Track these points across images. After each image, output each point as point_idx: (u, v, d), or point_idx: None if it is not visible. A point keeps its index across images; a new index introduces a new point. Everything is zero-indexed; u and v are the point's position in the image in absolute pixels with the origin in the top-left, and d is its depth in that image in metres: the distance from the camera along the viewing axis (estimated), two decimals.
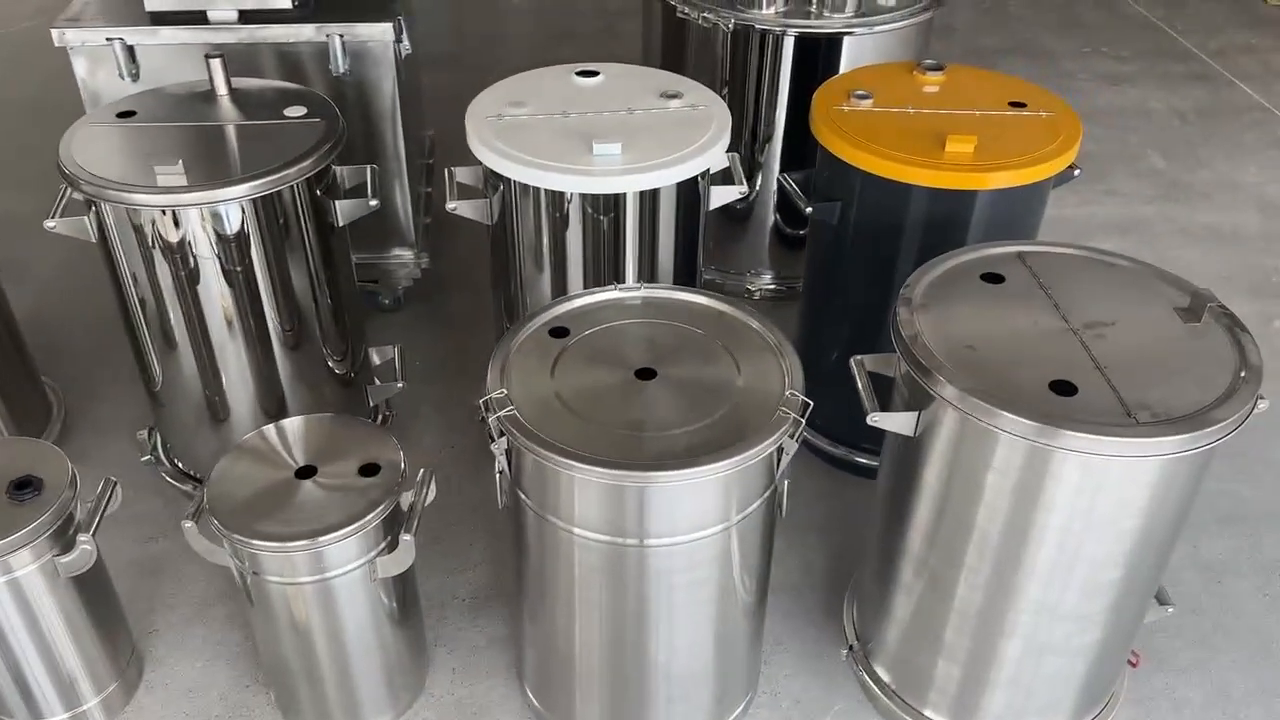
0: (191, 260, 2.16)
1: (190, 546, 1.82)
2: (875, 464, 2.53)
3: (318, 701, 2.01)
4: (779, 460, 1.71)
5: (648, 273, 2.32)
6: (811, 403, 1.67)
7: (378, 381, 2.62)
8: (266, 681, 2.09)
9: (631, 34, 4.98)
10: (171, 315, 2.25)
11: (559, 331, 1.85)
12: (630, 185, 2.13)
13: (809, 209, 2.30)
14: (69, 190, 2.28)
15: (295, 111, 2.28)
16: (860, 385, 1.79)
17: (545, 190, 2.19)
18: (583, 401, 1.70)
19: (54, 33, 2.57)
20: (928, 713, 2.01)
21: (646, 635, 1.82)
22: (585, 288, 2.31)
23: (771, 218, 3.22)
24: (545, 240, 2.28)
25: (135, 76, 2.62)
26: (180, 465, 2.52)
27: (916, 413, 1.71)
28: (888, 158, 2.15)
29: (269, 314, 2.28)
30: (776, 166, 3.05)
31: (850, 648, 2.13)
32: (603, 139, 2.11)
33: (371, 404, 2.61)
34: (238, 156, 2.17)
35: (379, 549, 1.83)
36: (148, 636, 2.22)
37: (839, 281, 2.45)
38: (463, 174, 2.40)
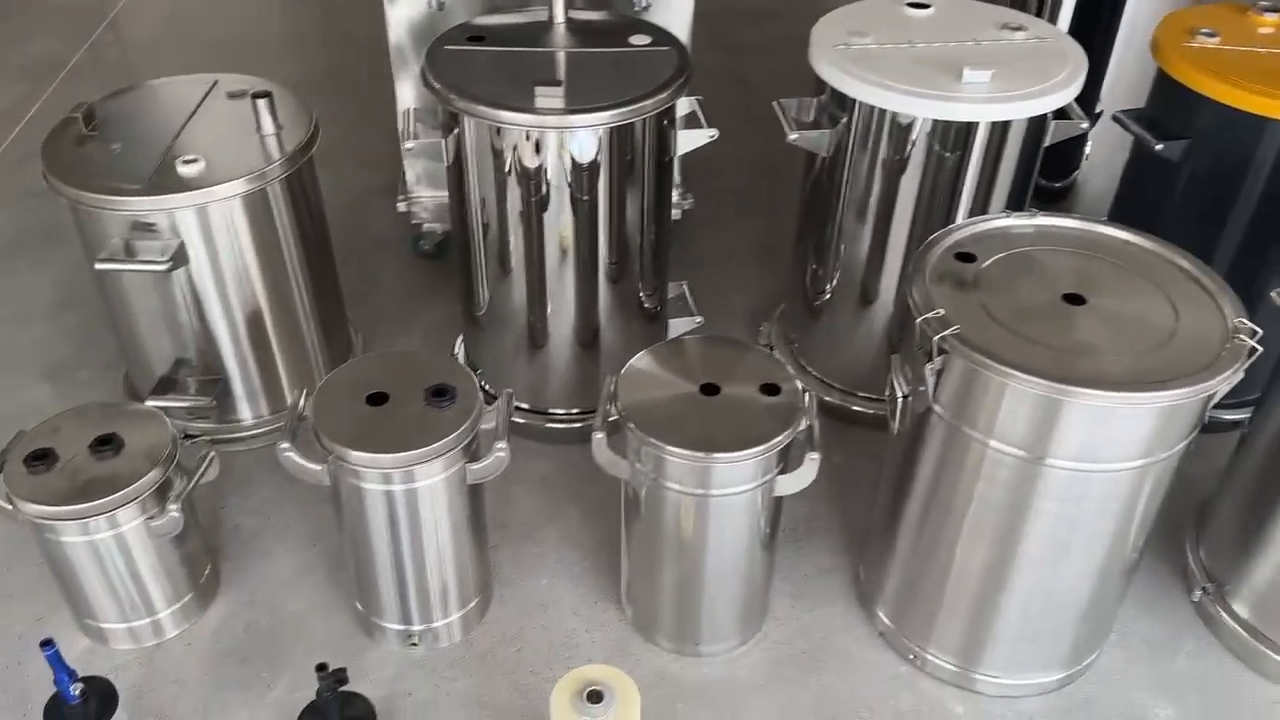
0: (544, 186, 2.18)
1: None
2: None
3: (680, 619, 2.05)
4: (1210, 399, 1.70)
5: (980, 212, 2.30)
6: (1260, 330, 1.65)
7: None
8: (626, 597, 2.12)
9: None
10: (512, 241, 2.28)
11: (965, 256, 1.85)
12: (1002, 114, 2.11)
13: (1159, 146, 2.27)
14: (413, 114, 2.33)
15: (640, 40, 2.28)
16: None
17: (894, 120, 2.18)
18: (1015, 320, 1.70)
19: None
20: None
21: (1033, 563, 1.82)
22: (915, 225, 2.32)
23: None
24: (881, 174, 2.27)
25: (441, 6, 2.65)
26: (490, 390, 2.56)
27: None
28: (1257, 93, 2.11)
29: (602, 246, 2.30)
30: None
31: (1204, 589, 2.12)
32: (973, 66, 2.10)
33: (671, 336, 2.63)
34: (599, 83, 2.18)
35: (778, 467, 1.85)
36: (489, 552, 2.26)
37: (1165, 222, 2.40)
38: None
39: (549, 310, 2.40)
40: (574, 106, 2.08)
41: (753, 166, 3.57)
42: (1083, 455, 1.67)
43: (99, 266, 2.11)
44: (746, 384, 1.89)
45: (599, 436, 1.86)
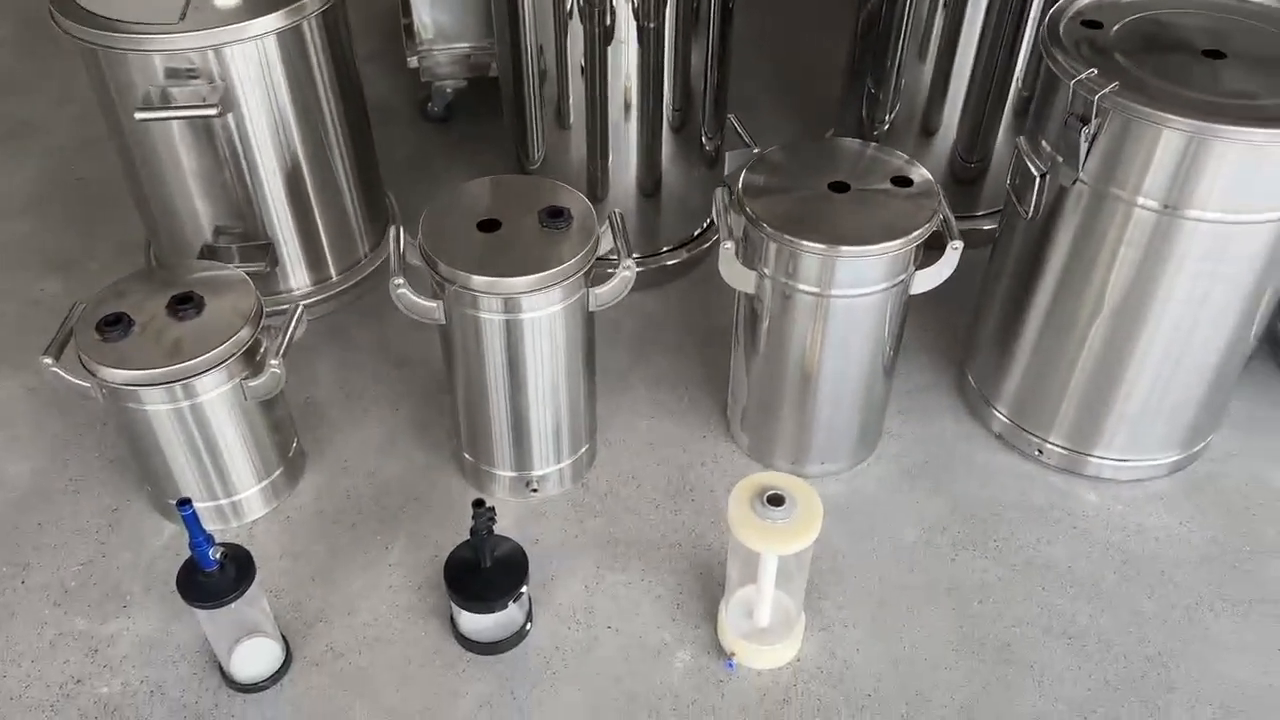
0: (608, 14, 2.03)
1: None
2: None
3: (802, 438, 1.98)
4: None
5: None
6: None
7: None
8: (741, 426, 2.04)
9: None
10: (571, 89, 2.14)
11: (1092, 24, 1.77)
12: None
13: None
14: None
15: None
16: None
17: None
18: (1163, 77, 1.64)
19: None
20: None
21: (1168, 331, 1.78)
22: (982, 44, 2.25)
23: None
24: None
25: None
26: None
27: None
28: None
29: (667, 84, 2.18)
30: None
31: None
32: None
33: (727, 171, 2.51)
34: None
35: (916, 262, 1.78)
36: None
37: None
38: None
39: (610, 163, 2.26)
40: None
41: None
42: (1230, 205, 1.63)
43: (141, 117, 1.89)
44: (875, 179, 1.80)
45: (728, 246, 1.76)
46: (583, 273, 1.73)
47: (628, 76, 2.13)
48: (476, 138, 2.91)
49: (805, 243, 1.70)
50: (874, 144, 1.93)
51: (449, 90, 2.90)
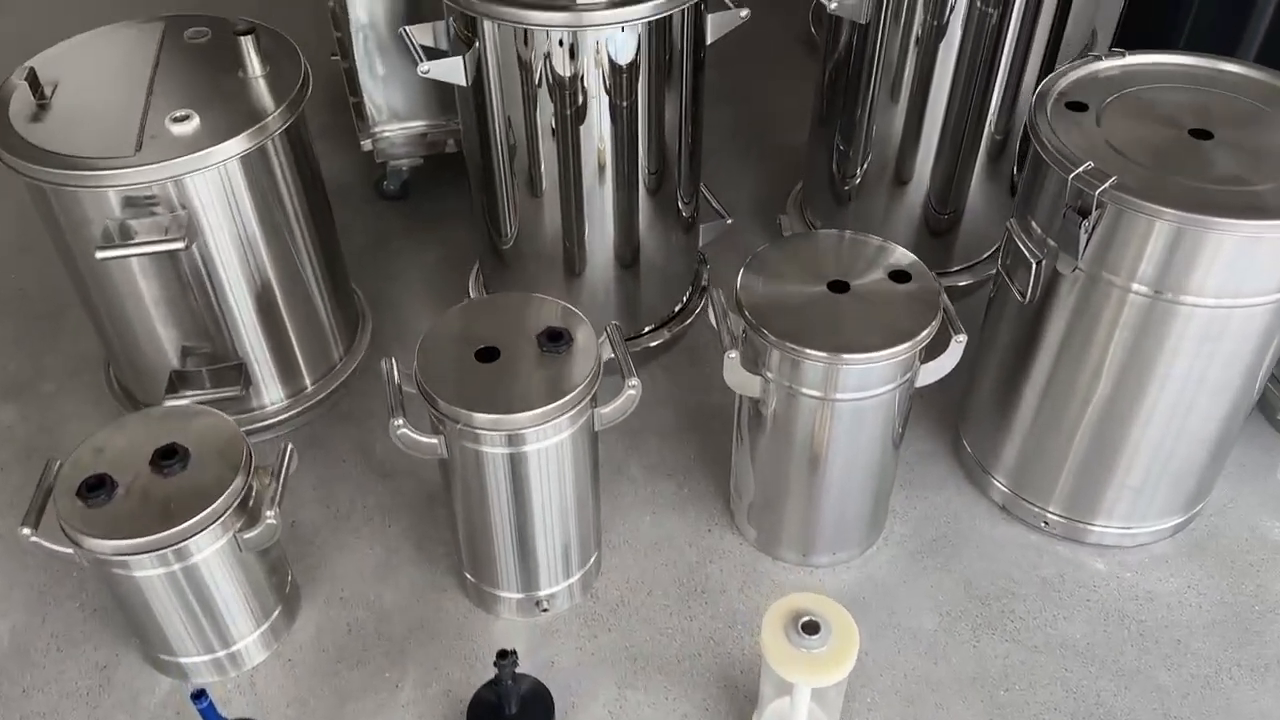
0: (580, 95, 1.98)
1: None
2: None
3: (803, 532, 1.96)
4: None
5: (1018, 75, 2.23)
6: None
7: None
8: (747, 519, 2.01)
9: None
10: (544, 160, 2.07)
11: (1077, 105, 1.77)
12: None
13: None
14: (414, 35, 2.07)
15: None
16: None
17: None
18: (1155, 162, 1.64)
19: None
20: None
21: (1168, 408, 1.79)
22: (953, 96, 2.23)
23: None
24: (917, 42, 2.18)
25: None
26: None
27: None
28: None
29: (642, 155, 2.11)
30: None
31: None
32: None
33: (702, 243, 2.48)
34: None
35: (921, 359, 1.76)
36: None
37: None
38: None
39: (586, 233, 2.21)
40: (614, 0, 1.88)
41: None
42: (1225, 290, 1.64)
43: (102, 256, 1.79)
44: (871, 275, 1.78)
45: (733, 355, 1.73)
46: (588, 399, 1.68)
47: (600, 139, 2.06)
48: (435, 214, 2.83)
49: (810, 351, 1.67)
50: (853, 232, 1.90)
51: (404, 169, 2.82)
